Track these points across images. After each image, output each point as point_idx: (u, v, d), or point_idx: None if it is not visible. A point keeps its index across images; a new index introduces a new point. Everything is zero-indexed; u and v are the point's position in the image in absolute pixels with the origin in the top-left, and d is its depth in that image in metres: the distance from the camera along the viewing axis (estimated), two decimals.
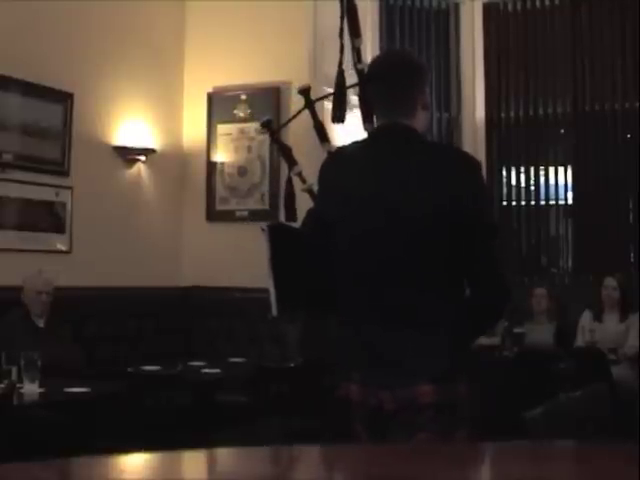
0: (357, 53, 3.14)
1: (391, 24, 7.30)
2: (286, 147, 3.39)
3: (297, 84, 6.34)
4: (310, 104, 3.37)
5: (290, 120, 3.77)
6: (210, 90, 6.79)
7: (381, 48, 7.06)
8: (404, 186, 2.27)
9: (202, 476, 1.71)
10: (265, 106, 6.53)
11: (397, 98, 2.37)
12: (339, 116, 3.05)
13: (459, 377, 2.29)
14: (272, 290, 2.48)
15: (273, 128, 3.46)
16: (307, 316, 2.48)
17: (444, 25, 7.55)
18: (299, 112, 3.51)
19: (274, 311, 2.51)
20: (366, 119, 2.87)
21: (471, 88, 7.49)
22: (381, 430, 2.25)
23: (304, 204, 2.82)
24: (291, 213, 3.13)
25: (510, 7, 7.46)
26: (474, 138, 7.36)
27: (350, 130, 3.62)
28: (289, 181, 3.20)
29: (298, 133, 6.51)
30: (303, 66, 6.44)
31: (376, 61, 2.56)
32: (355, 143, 2.50)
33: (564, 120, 7.35)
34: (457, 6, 7.55)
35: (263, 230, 2.52)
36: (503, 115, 7.46)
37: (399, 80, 2.38)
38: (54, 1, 5.81)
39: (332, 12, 6.53)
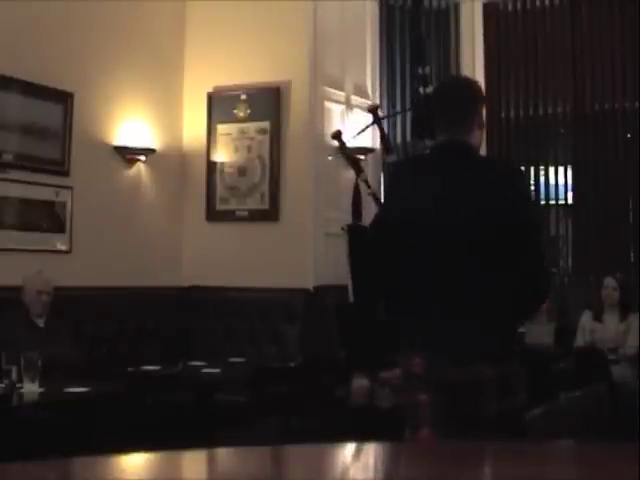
0: (423, 79, 3.69)
1: (391, 24, 7.30)
2: (354, 158, 3.87)
3: (297, 84, 6.44)
4: (378, 121, 3.87)
5: (358, 134, 4.17)
6: (210, 90, 6.79)
7: (381, 48, 7.10)
8: (460, 195, 2.62)
9: (202, 476, 1.71)
10: (265, 106, 6.53)
11: (457, 118, 2.73)
12: (417, 132, 3.73)
13: (513, 357, 2.60)
14: (350, 281, 2.95)
15: (342, 140, 3.88)
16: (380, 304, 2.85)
17: (444, 25, 7.55)
18: (367, 127, 3.89)
19: (352, 299, 2.95)
20: (426, 135, 3.37)
21: None
22: (445, 405, 2.51)
23: (369, 205, 3.46)
24: (358, 213, 3.59)
25: (510, 7, 7.46)
26: None
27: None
28: (356, 186, 3.70)
29: (297, 138, 6.56)
30: (303, 66, 6.45)
31: (440, 86, 3.15)
32: (419, 156, 3.00)
33: (564, 120, 7.36)
34: (457, 6, 7.55)
35: (343, 229, 3.19)
36: (503, 115, 7.46)
37: (459, 103, 2.76)
38: (54, 1, 5.81)
39: (332, 12, 6.60)
